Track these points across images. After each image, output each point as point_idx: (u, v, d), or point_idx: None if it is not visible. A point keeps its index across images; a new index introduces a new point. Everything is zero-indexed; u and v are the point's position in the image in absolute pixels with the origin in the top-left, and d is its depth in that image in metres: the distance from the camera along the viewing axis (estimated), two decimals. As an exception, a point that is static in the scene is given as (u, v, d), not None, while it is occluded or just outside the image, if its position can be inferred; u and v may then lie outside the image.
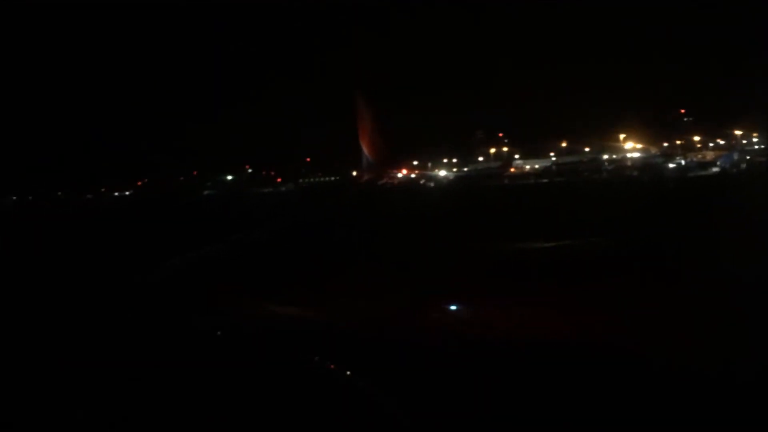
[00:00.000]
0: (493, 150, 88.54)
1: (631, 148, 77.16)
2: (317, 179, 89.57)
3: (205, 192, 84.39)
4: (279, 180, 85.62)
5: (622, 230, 19.68)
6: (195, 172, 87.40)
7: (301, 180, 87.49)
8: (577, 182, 51.66)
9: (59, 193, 79.88)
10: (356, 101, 55.52)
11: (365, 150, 72.89)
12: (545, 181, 59.52)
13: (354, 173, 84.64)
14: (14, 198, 76.64)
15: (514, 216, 27.20)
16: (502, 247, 18.18)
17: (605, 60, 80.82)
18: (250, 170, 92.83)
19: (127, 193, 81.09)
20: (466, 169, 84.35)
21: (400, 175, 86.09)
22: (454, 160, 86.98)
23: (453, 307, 11.35)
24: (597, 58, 79.74)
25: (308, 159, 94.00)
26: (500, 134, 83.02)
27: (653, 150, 75.61)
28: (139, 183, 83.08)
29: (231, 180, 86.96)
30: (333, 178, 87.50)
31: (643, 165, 63.96)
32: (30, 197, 76.89)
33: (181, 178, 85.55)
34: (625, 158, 73.06)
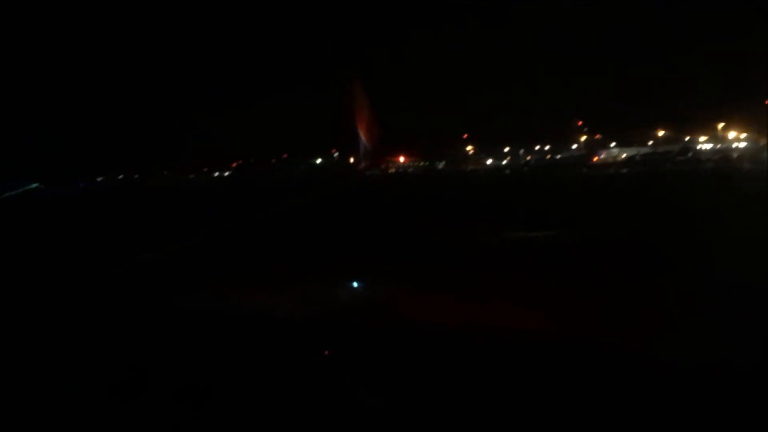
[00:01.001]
0: (584, 138, 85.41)
1: (736, 137, 71.49)
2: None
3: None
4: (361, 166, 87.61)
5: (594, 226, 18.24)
6: (285, 155, 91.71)
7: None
8: (654, 173, 48.62)
9: (164, 172, 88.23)
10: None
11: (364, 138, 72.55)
12: (624, 171, 56.55)
13: (351, 160, 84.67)
14: (120, 177, 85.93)
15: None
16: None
17: (715, 46, 74.38)
18: (336, 154, 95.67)
19: (226, 173, 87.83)
20: (558, 156, 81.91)
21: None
22: (546, 147, 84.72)
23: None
24: (706, 44, 73.57)
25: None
26: (579, 122, 79.79)
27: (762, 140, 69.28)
28: (234, 164, 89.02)
29: (320, 163, 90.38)
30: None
31: (747, 154, 58.86)
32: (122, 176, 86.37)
33: (273, 161, 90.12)
34: (729, 148, 67.89)
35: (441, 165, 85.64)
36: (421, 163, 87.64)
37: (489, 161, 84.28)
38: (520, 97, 76.48)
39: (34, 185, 70.13)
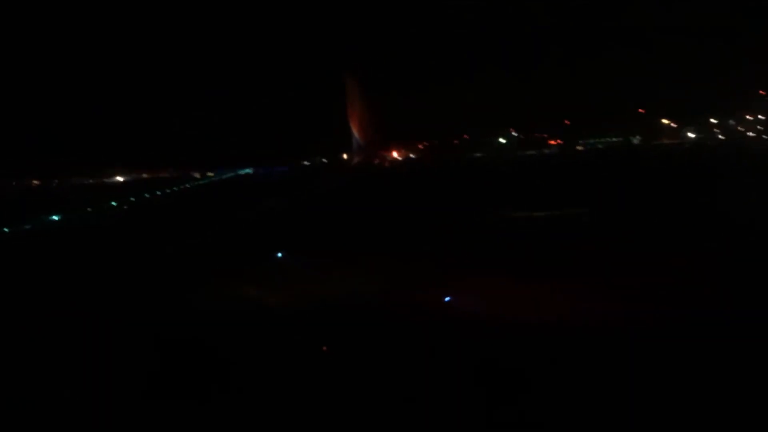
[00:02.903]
0: None
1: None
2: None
3: (477, 154, 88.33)
4: (552, 142, 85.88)
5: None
6: (466, 135, 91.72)
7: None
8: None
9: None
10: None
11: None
12: None
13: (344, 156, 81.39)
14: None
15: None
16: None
17: None
18: (515, 134, 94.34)
19: (411, 156, 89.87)
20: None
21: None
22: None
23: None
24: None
25: (567, 122, 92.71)
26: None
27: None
28: (420, 146, 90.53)
29: (504, 143, 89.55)
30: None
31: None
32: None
33: (456, 142, 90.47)
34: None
35: (636, 139, 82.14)
36: (613, 139, 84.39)
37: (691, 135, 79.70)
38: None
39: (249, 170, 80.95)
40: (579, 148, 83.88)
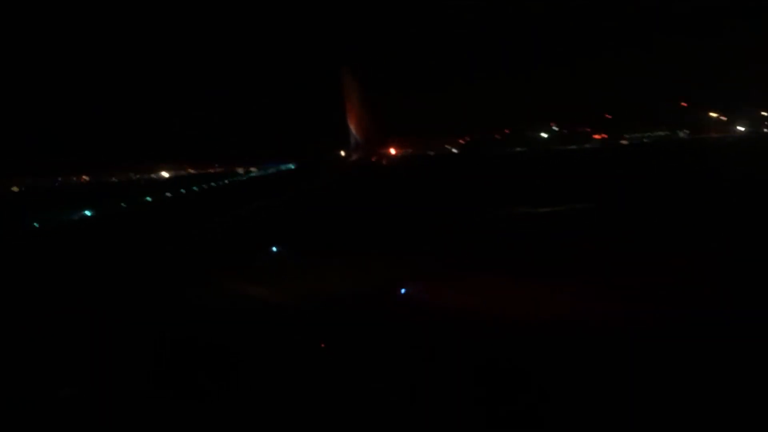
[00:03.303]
0: None
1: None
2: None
3: (517, 149, 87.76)
4: (596, 137, 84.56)
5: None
6: (507, 130, 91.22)
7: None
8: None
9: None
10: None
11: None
12: None
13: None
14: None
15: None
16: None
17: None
18: (555, 128, 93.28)
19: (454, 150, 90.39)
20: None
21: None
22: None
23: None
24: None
25: (607, 115, 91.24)
26: None
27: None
28: (461, 141, 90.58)
29: (546, 137, 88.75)
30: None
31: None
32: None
33: (497, 137, 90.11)
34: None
35: (683, 133, 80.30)
36: (659, 133, 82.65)
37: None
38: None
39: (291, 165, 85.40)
40: (623, 142, 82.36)
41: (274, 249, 15.53)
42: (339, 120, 73.57)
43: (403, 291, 10.73)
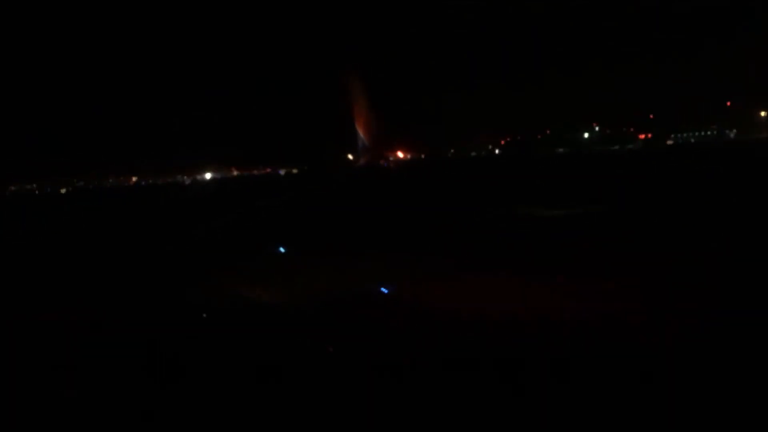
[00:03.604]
0: None
1: None
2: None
3: (560, 150, 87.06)
4: (641, 137, 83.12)
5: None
6: (548, 131, 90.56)
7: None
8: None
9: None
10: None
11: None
12: None
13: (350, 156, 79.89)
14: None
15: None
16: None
17: None
18: (597, 128, 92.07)
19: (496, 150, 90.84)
20: None
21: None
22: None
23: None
24: None
25: (651, 116, 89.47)
26: None
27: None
28: (502, 142, 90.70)
29: (586, 138, 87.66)
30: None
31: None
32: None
33: (538, 137, 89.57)
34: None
35: (732, 133, 78.21)
36: (707, 133, 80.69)
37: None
38: None
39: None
40: (669, 142, 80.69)
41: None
42: (347, 124, 74.09)
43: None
